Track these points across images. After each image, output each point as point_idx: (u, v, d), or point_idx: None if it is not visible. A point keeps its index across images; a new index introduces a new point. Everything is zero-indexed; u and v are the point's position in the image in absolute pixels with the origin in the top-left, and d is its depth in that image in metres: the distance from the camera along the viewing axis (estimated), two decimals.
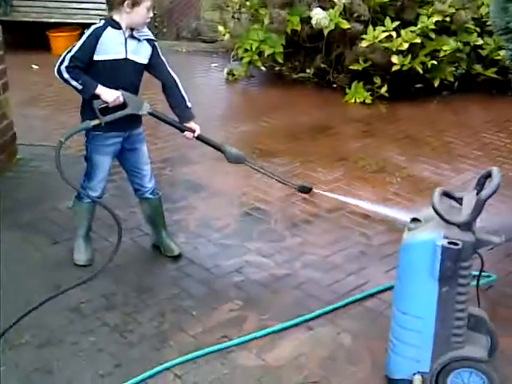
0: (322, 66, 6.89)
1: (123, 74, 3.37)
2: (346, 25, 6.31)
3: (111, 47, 3.31)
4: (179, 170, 4.94)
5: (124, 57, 3.34)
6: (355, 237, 4.00)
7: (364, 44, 6.26)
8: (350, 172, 4.91)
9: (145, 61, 3.43)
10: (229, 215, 4.20)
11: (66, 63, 3.25)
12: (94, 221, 4.07)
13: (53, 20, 8.33)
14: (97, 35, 3.28)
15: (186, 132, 3.58)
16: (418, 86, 6.81)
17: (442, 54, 6.37)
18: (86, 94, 3.34)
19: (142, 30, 3.38)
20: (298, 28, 6.54)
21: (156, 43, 3.48)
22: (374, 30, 6.28)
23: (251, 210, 4.29)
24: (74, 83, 3.28)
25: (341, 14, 6.32)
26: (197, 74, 7.63)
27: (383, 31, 6.25)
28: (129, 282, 3.50)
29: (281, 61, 6.78)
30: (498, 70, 6.58)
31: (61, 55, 3.29)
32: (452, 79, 6.63)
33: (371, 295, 3.39)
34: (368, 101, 6.47)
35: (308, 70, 7.14)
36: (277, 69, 7.15)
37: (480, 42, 6.47)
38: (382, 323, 3.14)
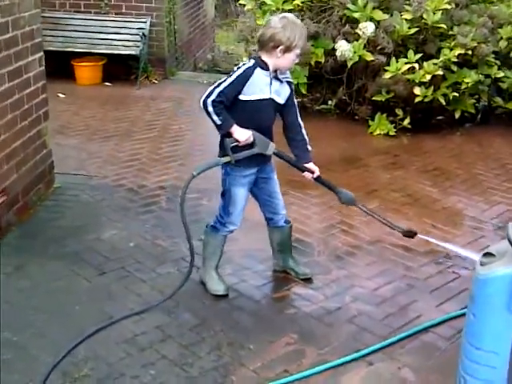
0: (344, 97, 6.97)
1: (264, 113, 3.46)
2: (369, 57, 6.39)
3: (258, 88, 3.38)
4: (216, 200, 4.93)
5: (268, 97, 3.42)
6: (400, 269, 4.01)
7: (387, 76, 6.33)
8: (384, 204, 4.94)
9: (282, 101, 3.49)
10: (270, 247, 4.20)
11: (213, 97, 3.31)
12: (138, 251, 4.12)
13: (77, 50, 8.42)
14: (247, 76, 3.35)
15: (305, 172, 3.65)
16: (440, 117, 6.91)
17: (463, 86, 6.44)
18: (221, 130, 3.42)
19: (285, 72, 3.47)
20: (322, 60, 6.62)
21: (293, 86, 3.56)
22: (397, 62, 6.35)
23: (293, 242, 4.28)
24: (215, 117, 3.34)
25: (365, 46, 6.40)
26: None
27: (406, 63, 6.33)
28: (181, 314, 3.49)
29: (304, 92, 6.84)
30: None
31: (210, 87, 3.35)
32: (473, 111, 6.71)
33: (426, 329, 3.40)
34: (392, 133, 6.53)
35: (330, 102, 7.22)
36: (299, 100, 7.18)
37: (501, 74, 6.56)
38: (441, 357, 3.18)
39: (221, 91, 3.31)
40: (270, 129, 3.55)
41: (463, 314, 3.46)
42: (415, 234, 3.79)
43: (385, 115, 6.64)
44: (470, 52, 6.41)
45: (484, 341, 2.59)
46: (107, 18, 8.93)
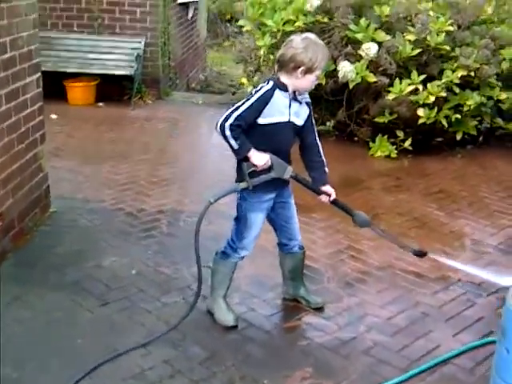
0: (343, 119, 6.87)
1: (283, 136, 3.33)
2: (372, 78, 6.31)
3: (278, 110, 3.25)
4: (221, 223, 4.80)
5: (287, 120, 3.29)
6: (413, 296, 3.88)
7: (391, 97, 6.25)
8: (391, 228, 4.79)
9: (302, 123, 3.37)
10: (278, 273, 4.04)
11: (231, 121, 3.18)
12: (141, 279, 3.97)
13: (70, 70, 8.28)
14: (266, 99, 3.23)
15: (322, 195, 3.50)
16: (440, 139, 6.83)
17: (466, 108, 6.38)
18: (239, 155, 3.28)
19: (304, 93, 3.35)
20: (323, 81, 6.52)
21: (311, 106, 3.43)
22: (401, 83, 6.28)
23: None
24: (232, 142, 3.21)
25: (367, 67, 6.32)
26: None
27: (409, 84, 6.25)
28: (189, 347, 3.33)
29: None
30: None
31: (228, 110, 3.22)
32: (475, 133, 6.64)
33: (445, 361, 3.26)
34: (393, 155, 6.44)
35: (328, 123, 7.13)
36: None
37: (503, 96, 6.51)
38: None
39: (239, 115, 3.18)
40: (288, 152, 3.41)
41: (482, 345, 3.40)
42: (425, 253, 3.68)
43: (386, 137, 6.55)
44: (472, 73, 6.36)
45: None
46: (101, 38, 8.83)
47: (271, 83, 3.26)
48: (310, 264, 4.20)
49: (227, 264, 3.55)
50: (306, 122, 3.39)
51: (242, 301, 3.76)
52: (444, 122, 6.34)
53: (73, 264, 4.11)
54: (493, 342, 3.38)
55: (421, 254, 3.67)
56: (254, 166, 3.25)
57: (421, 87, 6.24)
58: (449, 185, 5.78)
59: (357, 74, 6.29)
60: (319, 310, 3.70)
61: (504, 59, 6.60)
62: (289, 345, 3.39)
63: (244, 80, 7.16)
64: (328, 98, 6.76)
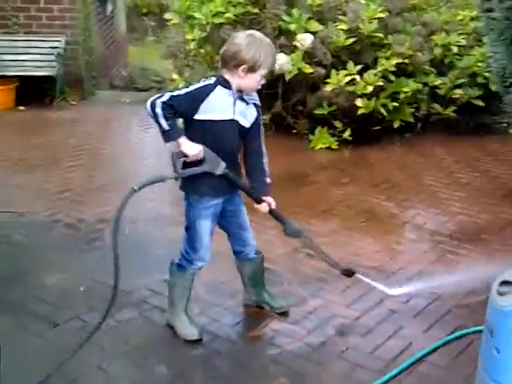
0: (280, 111, 6.73)
1: (226, 136, 3.09)
2: (308, 69, 6.19)
3: (219, 107, 3.02)
4: (167, 229, 4.57)
5: (231, 118, 3.06)
6: (377, 293, 3.75)
7: (329, 88, 6.16)
8: (344, 222, 4.72)
9: (248, 125, 3.14)
10: (236, 277, 3.85)
11: (164, 98, 2.94)
12: (91, 296, 3.71)
13: None
14: (205, 92, 3.00)
15: (262, 204, 3.27)
16: (377, 128, 6.80)
17: (402, 95, 6.36)
18: (169, 138, 3.01)
19: (251, 93, 3.13)
20: None
21: (260, 109, 3.22)
22: (337, 74, 6.19)
23: None
24: (162, 121, 2.95)
25: (303, 58, 6.20)
26: (149, 126, 7.22)
27: (346, 75, 6.17)
28: (154, 367, 3.10)
29: None
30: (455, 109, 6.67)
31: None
32: (412, 120, 6.63)
33: (420, 359, 3.16)
34: (334, 146, 6.36)
35: (264, 117, 6.96)
36: None
37: (438, 82, 6.53)
38: None
39: (173, 95, 2.96)
40: (234, 156, 3.18)
41: (455, 338, 3.33)
42: (353, 273, 3.51)
43: (325, 128, 6.45)
44: (406, 61, 6.34)
45: (511, 376, 2.37)
46: (16, 38, 8.37)
47: (213, 79, 3.05)
48: (267, 266, 3.97)
49: (185, 276, 3.33)
50: (252, 125, 3.17)
51: (202, 311, 3.56)
52: (382, 111, 6.30)
53: (13, 285, 3.78)
54: (463, 336, 3.37)
55: (348, 274, 3.50)
56: (185, 156, 3.03)
57: (358, 77, 6.17)
58: (393, 174, 5.74)
59: (293, 65, 6.16)
60: (284, 314, 3.55)
61: (436, 45, 6.64)
62: (258, 355, 3.22)
63: (175, 75, 6.89)
64: (263, 90, 6.57)
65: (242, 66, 2.98)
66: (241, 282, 3.71)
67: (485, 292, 3.72)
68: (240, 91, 3.07)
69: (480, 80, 6.71)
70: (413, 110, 6.62)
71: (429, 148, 6.44)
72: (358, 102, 6.20)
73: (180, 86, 6.84)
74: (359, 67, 6.19)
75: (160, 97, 2.97)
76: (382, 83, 6.21)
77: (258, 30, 6.37)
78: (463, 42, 6.73)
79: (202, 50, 6.68)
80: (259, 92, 6.47)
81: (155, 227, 4.63)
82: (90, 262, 4.11)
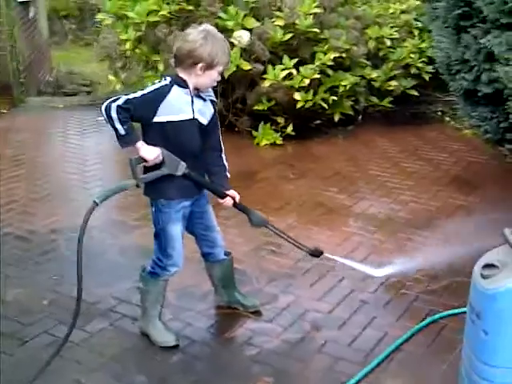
0: (221, 110, 6.69)
1: (187, 136, 3.03)
2: (247, 66, 6.17)
3: (177, 107, 2.95)
4: (123, 236, 4.47)
5: (191, 117, 3.00)
6: (345, 284, 3.81)
7: (267, 84, 6.17)
8: (301, 217, 4.74)
9: (206, 122, 3.08)
10: (205, 280, 3.80)
11: (119, 102, 2.85)
12: (56, 309, 3.58)
13: None
14: (162, 94, 2.91)
15: (226, 199, 3.24)
16: (317, 122, 6.87)
17: (341, 89, 6.44)
18: (125, 143, 2.93)
19: (207, 90, 3.07)
20: None
21: (216, 105, 3.17)
22: (274, 69, 6.20)
23: None
24: (118, 126, 2.86)
25: (241, 55, 6.18)
26: (87, 131, 7.07)
27: (283, 69, 6.19)
28: (134, 377, 3.02)
29: None
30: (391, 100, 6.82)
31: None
32: (352, 113, 6.73)
33: (398, 348, 3.21)
34: (278, 142, 6.38)
35: None
36: None
37: (374, 74, 6.65)
38: (421, 375, 3.00)
39: (128, 99, 2.87)
40: (197, 156, 3.12)
41: (427, 325, 3.40)
42: (321, 252, 3.59)
43: (268, 125, 6.47)
44: (343, 55, 6.42)
45: (499, 358, 2.43)
46: None
47: (168, 79, 2.99)
48: (234, 266, 4.01)
49: (158, 283, 3.27)
50: (210, 121, 3.13)
51: (175, 316, 3.49)
52: (324, 104, 6.36)
53: None
54: (435, 321, 3.44)
55: (317, 254, 3.57)
56: (144, 161, 2.96)
57: (294, 71, 6.21)
58: (341, 167, 5.81)
59: (231, 62, 6.13)
60: (257, 313, 3.53)
61: (370, 38, 6.75)
62: (238, 356, 3.18)
63: (111, 77, 6.73)
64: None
65: (200, 64, 2.93)
66: (209, 285, 3.67)
67: (446, 277, 3.88)
68: (196, 89, 3.02)
69: (413, 71, 6.90)
70: (351, 103, 6.71)
71: (371, 139, 6.56)
72: (297, 96, 6.23)
73: (117, 87, 6.72)
74: (295, 61, 6.21)
75: (115, 100, 2.89)
76: (318, 76, 6.25)
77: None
78: (396, 35, 6.88)
79: (138, 50, 6.54)
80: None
81: (110, 234, 4.52)
82: (48, 274, 3.97)
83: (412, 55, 6.86)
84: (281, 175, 5.62)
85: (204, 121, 3.09)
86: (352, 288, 3.77)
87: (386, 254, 4.16)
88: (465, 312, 3.39)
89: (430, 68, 6.87)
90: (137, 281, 3.79)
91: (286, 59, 6.25)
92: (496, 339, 2.43)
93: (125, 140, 2.92)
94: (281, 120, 6.53)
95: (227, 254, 3.49)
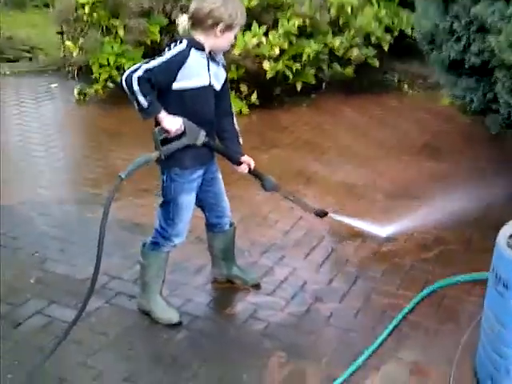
0: None
1: (205, 102, 2.93)
2: None
3: (196, 72, 2.84)
4: (100, 209, 4.25)
5: (208, 83, 2.90)
6: (339, 254, 3.80)
7: (237, 51, 6.01)
8: (284, 187, 4.63)
9: (219, 87, 2.98)
10: (196, 253, 3.69)
11: (139, 73, 2.71)
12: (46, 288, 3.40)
13: None
14: (182, 59, 2.78)
15: (242, 165, 3.19)
16: (277, 91, 6.77)
17: (305, 57, 6.35)
18: (147, 115, 2.81)
19: (219, 54, 2.95)
20: (158, 38, 6.09)
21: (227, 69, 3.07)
22: (243, 36, 6.05)
23: None
24: (140, 98, 2.73)
25: None
26: (40, 98, 6.71)
27: (252, 37, 6.05)
28: (143, 358, 2.91)
29: None
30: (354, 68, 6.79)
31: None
32: (314, 82, 6.65)
33: (404, 317, 3.21)
34: (245, 110, 6.25)
35: None
36: None
37: (337, 42, 6.58)
38: (433, 346, 3.01)
39: (149, 68, 2.75)
40: (213, 123, 3.03)
41: (427, 294, 3.42)
42: (326, 213, 3.68)
43: (233, 93, 6.32)
44: (307, 22, 6.33)
45: None
46: None
47: (185, 42, 2.86)
48: None
49: (160, 255, 3.15)
50: (223, 86, 3.05)
51: (172, 292, 3.37)
52: (288, 73, 6.26)
53: None
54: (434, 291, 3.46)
55: (322, 215, 3.63)
56: (166, 131, 2.86)
57: (264, 39, 6.08)
58: (310, 136, 5.75)
59: None
60: (256, 286, 3.46)
61: (331, 5, 6.66)
62: (246, 331, 3.12)
63: (69, 43, 6.41)
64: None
65: (220, 25, 2.83)
66: (202, 259, 3.61)
67: (436, 245, 3.91)
68: (210, 52, 2.91)
69: (373, 40, 6.87)
70: (314, 71, 6.64)
71: (335, 108, 6.52)
72: (265, 65, 6.12)
73: (74, 53, 6.42)
74: (264, 29, 6.09)
75: (135, 71, 2.74)
76: (287, 45, 6.15)
77: None
78: (355, 3, 6.82)
79: (95, 14, 6.24)
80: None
81: (87, 209, 4.32)
82: (28, 250, 3.76)
83: (372, 23, 6.83)
84: (252, 145, 5.44)
85: (218, 86, 3.00)
86: (345, 258, 3.75)
87: (375, 222, 4.14)
88: (462, 280, 3.51)
89: (389, 37, 6.89)
90: (124, 256, 3.71)
91: (255, 27, 6.10)
92: None
93: (147, 111, 2.80)
94: (244, 88, 6.39)
95: (231, 224, 3.40)
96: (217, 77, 2.97)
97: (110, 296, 3.34)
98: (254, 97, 6.33)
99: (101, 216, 2.70)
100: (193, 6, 2.89)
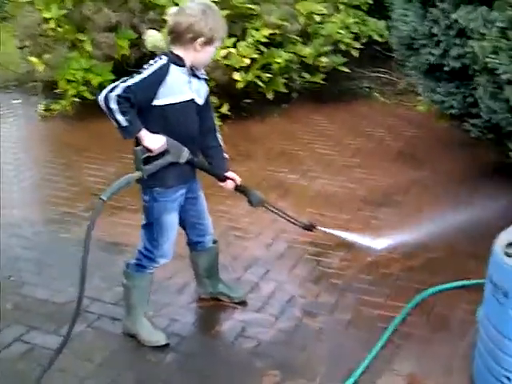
0: None
1: (189, 118, 2.84)
2: None
3: (177, 88, 2.75)
4: (74, 228, 4.15)
5: (190, 98, 2.81)
6: (322, 268, 3.71)
7: None
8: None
9: (202, 102, 2.90)
10: (179, 271, 3.59)
11: (118, 91, 2.60)
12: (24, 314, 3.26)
13: None
14: (162, 75, 2.69)
15: (227, 181, 3.10)
16: (249, 101, 6.71)
17: (275, 66, 6.30)
18: (128, 134, 2.71)
19: (200, 68, 2.88)
20: (128, 52, 5.99)
21: (208, 83, 3.00)
22: None
23: None
24: (119, 117, 2.63)
25: None
26: (3, 115, 6.50)
27: (222, 48, 5.98)
28: (131, 381, 2.80)
29: None
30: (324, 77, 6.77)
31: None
32: (285, 90, 6.60)
33: (396, 329, 3.15)
34: (216, 122, 6.12)
35: None
36: None
37: (307, 51, 6.55)
38: (428, 356, 2.95)
39: (127, 86, 2.64)
40: (195, 138, 2.94)
41: (417, 304, 3.36)
42: (314, 226, 3.55)
43: None
44: (277, 31, 6.29)
45: None
46: None
47: (165, 58, 2.77)
48: None
49: (145, 277, 3.04)
50: (205, 101, 2.98)
51: (157, 312, 3.25)
52: (260, 83, 6.20)
53: None
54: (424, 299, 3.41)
55: (310, 228, 3.52)
56: (148, 150, 2.76)
57: (234, 50, 6.01)
58: (285, 146, 5.69)
59: (166, 42, 5.84)
60: (242, 303, 3.37)
61: (300, 14, 6.64)
62: (236, 350, 3.02)
63: (34, 59, 6.24)
64: (134, 70, 6.20)
65: (200, 40, 2.76)
66: (183, 277, 3.53)
67: (421, 253, 3.87)
68: (191, 67, 2.84)
69: (342, 47, 6.87)
70: (284, 80, 6.59)
71: (307, 116, 6.48)
72: (236, 76, 6.05)
73: (39, 68, 6.26)
74: (234, 39, 6.03)
75: (113, 89, 2.65)
76: (257, 55, 6.10)
77: (121, 4, 6.05)
78: (324, 11, 6.80)
79: (60, 29, 6.10)
80: (131, 71, 6.19)
81: (61, 228, 4.19)
82: (3, 273, 3.62)
83: (340, 31, 6.83)
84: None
85: (200, 101, 2.92)
86: (331, 271, 3.68)
87: (356, 232, 4.09)
88: (450, 288, 3.48)
89: (357, 44, 6.90)
90: (103, 277, 3.60)
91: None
92: None
93: (127, 131, 2.70)
94: (215, 100, 6.30)
95: (215, 242, 3.31)
96: (198, 92, 2.90)
97: (92, 319, 3.22)
98: (225, 108, 6.24)
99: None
100: (171, 20, 2.81)
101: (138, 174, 2.76)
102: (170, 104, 2.77)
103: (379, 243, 3.79)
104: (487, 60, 3.34)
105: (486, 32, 3.38)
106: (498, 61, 3.27)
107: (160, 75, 2.72)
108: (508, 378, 2.48)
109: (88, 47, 5.97)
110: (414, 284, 3.51)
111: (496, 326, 2.51)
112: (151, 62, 2.78)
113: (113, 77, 6.01)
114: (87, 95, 6.10)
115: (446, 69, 3.89)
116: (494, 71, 3.31)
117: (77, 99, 6.22)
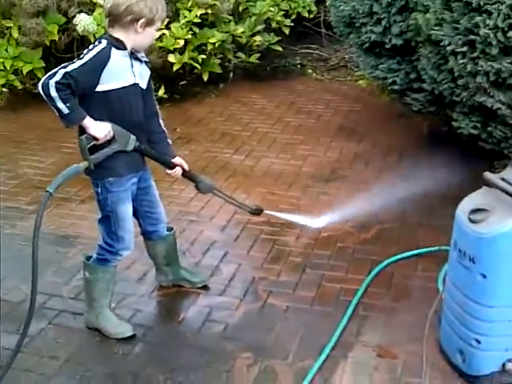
0: None
1: (133, 103, 2.74)
2: None
3: (119, 72, 2.66)
4: (20, 223, 4.00)
5: (133, 82, 2.71)
6: (280, 246, 3.71)
7: None
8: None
9: (145, 86, 2.80)
10: (133, 261, 3.51)
11: (57, 78, 2.49)
12: None
13: None
14: (103, 59, 2.58)
15: (175, 169, 3.00)
16: (183, 82, 6.61)
17: (210, 47, 6.23)
18: (70, 122, 2.62)
19: (141, 51, 2.77)
20: (56, 37, 5.78)
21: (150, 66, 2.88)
22: None
23: None
24: (60, 105, 2.52)
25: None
26: None
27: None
28: (100, 378, 2.72)
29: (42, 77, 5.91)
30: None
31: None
32: (220, 71, 6.54)
33: (359, 301, 3.20)
34: None
35: None
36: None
37: (240, 30, 6.50)
38: (395, 325, 3.01)
39: (67, 72, 2.54)
40: (141, 126, 2.85)
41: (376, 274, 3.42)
42: (262, 210, 3.52)
43: None
44: (209, 11, 6.20)
45: (499, 298, 2.49)
46: None
47: (104, 41, 2.67)
48: None
49: (108, 270, 2.98)
50: (147, 85, 2.89)
51: (118, 304, 3.19)
52: (195, 64, 6.12)
53: None
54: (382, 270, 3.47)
55: (258, 212, 3.49)
56: (94, 139, 2.68)
57: (167, 32, 5.90)
58: (226, 127, 5.64)
59: (98, 25, 5.68)
60: (205, 287, 3.34)
61: None
62: (205, 336, 2.99)
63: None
64: (63, 55, 6.01)
65: (140, 21, 2.67)
66: (141, 266, 3.47)
67: (373, 225, 3.92)
68: (131, 51, 2.75)
69: (274, 25, 6.85)
70: (219, 61, 6.53)
71: (244, 96, 6.42)
72: (171, 58, 5.95)
73: None
74: (166, 21, 5.90)
75: (52, 76, 2.54)
76: (190, 36, 6.01)
77: None
78: None
79: None
80: (60, 57, 5.98)
81: (5, 223, 4.03)
82: None
83: (271, 9, 6.80)
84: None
85: (143, 84, 2.83)
86: (289, 250, 3.69)
87: (305, 208, 4.11)
88: (406, 257, 3.55)
89: (288, 22, 6.90)
90: (57, 271, 3.50)
91: None
92: (496, 281, 2.47)
93: (69, 119, 2.60)
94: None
95: (170, 229, 3.25)
96: (141, 75, 2.81)
97: (52, 316, 3.12)
98: (161, 91, 6.12)
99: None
100: (109, 2, 2.69)
101: (84, 164, 2.66)
102: (114, 89, 2.68)
103: (318, 222, 3.81)
104: (431, 32, 3.39)
105: (430, 4, 3.43)
106: (442, 32, 3.32)
107: (101, 60, 2.63)
108: (477, 341, 2.56)
109: (15, 34, 5.73)
110: (371, 256, 3.57)
111: (463, 291, 2.57)
112: (90, 46, 2.69)
113: (43, 64, 5.82)
114: (17, 84, 5.88)
115: (387, 46, 3.93)
116: (439, 43, 3.36)
117: (6, 89, 6.01)
